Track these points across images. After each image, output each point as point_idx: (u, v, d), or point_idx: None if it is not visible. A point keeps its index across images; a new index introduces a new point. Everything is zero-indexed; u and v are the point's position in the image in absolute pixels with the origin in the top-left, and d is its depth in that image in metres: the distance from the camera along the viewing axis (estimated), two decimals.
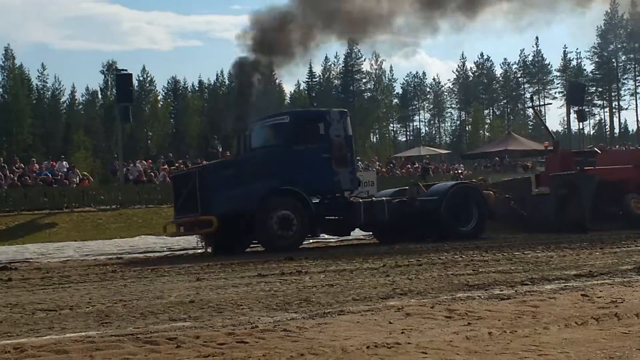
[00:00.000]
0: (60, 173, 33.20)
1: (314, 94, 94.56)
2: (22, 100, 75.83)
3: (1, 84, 78.85)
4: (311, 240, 20.36)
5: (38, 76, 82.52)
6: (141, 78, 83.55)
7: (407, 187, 21.50)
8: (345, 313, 7.39)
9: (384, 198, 20.13)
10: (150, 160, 40.80)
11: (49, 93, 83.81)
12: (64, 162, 36.59)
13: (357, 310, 7.54)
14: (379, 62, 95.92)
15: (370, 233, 21.42)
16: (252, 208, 17.64)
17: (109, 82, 78.17)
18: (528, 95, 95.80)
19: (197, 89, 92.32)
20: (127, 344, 6.01)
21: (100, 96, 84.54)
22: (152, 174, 35.46)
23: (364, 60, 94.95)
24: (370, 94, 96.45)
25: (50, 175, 32.67)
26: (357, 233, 21.10)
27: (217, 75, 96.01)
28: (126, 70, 37.68)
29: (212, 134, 61.23)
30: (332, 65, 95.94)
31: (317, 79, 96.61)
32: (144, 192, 31.92)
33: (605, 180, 21.08)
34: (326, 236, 21.32)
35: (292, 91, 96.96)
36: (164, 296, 9.23)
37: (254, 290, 9.48)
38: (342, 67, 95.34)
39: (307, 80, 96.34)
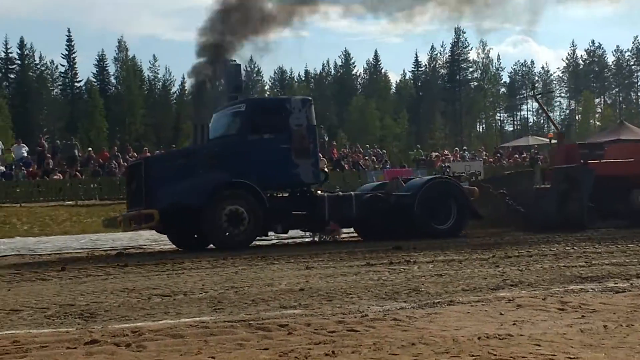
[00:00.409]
0: None
1: (419, 84, 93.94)
2: (134, 91, 77.81)
3: (115, 75, 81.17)
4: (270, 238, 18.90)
5: (149, 67, 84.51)
6: (248, 69, 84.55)
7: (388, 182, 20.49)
8: (455, 303, 7.35)
9: (352, 193, 18.97)
10: None
11: (160, 84, 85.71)
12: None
13: (467, 300, 7.49)
14: (485, 51, 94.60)
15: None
16: (198, 202, 16.57)
17: (217, 73, 79.34)
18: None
19: (303, 79, 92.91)
20: (240, 330, 6.13)
21: (208, 87, 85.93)
22: None
23: (471, 49, 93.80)
24: (477, 83, 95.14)
25: None
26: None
27: (322, 65, 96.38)
28: (235, 60, 38.29)
29: (319, 123, 61.66)
30: (438, 54, 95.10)
31: (423, 68, 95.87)
32: None
33: (609, 175, 19.27)
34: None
35: (398, 81, 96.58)
36: (274, 283, 9.36)
37: (363, 279, 9.51)
38: (449, 56, 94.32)
39: (412, 69, 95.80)
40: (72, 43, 78.85)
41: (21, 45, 78.14)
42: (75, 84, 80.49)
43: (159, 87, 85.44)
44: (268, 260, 12.92)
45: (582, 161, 19.80)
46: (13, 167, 32.34)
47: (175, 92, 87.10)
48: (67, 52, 79.41)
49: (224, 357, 5.23)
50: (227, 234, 16.56)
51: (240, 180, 16.94)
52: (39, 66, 79.97)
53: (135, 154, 36.18)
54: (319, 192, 18.32)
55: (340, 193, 18.92)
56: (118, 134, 74.88)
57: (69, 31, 78.53)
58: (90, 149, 38.89)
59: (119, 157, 34.37)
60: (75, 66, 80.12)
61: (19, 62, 78.83)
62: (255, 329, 6.14)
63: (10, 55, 78.59)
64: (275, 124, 17.72)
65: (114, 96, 78.85)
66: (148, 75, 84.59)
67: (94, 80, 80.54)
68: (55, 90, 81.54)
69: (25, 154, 33.61)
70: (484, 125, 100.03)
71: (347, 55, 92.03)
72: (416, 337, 5.64)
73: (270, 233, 17.98)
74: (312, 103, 18.54)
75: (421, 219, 18.03)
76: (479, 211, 18.99)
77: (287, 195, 18.21)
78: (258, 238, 17.58)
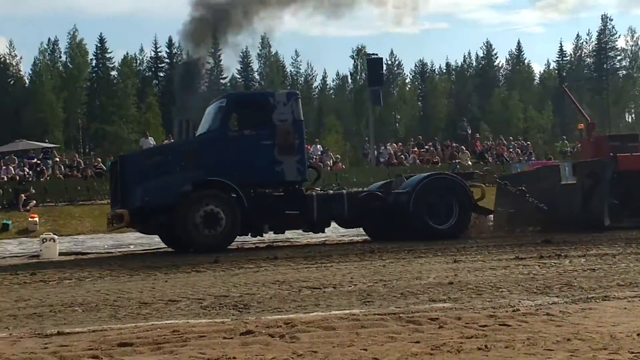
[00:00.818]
0: (314, 156, 34.42)
1: (564, 74, 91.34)
2: (277, 86, 79.07)
3: (258, 71, 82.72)
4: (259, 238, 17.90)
5: (292, 63, 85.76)
6: (389, 62, 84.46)
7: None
8: (610, 299, 7.15)
9: (343, 191, 17.95)
10: (400, 143, 41.28)
11: (302, 79, 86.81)
12: (318, 146, 37.87)
13: (623, 296, 7.27)
14: (635, 38, 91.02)
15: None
16: (168, 201, 15.72)
17: (359, 67, 79.70)
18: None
19: (444, 71, 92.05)
20: (390, 323, 6.16)
21: (350, 80, 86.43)
22: (402, 156, 35.90)
23: (619, 36, 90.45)
24: (626, 72, 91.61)
25: None
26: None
27: (464, 56, 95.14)
28: (377, 54, 38.44)
29: (461, 116, 60.96)
30: (584, 42, 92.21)
31: (568, 57, 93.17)
32: (394, 174, 32.35)
33: (635, 169, 17.67)
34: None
35: (542, 71, 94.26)
36: (422, 277, 9.36)
37: (513, 273, 9.37)
38: (595, 44, 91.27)
39: (557, 59, 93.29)
40: (218, 41, 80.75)
41: (169, 44, 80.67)
42: (221, 80, 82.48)
43: (301, 82, 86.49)
44: (415, 253, 12.90)
45: (611, 155, 18.32)
46: None
47: (317, 86, 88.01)
48: (213, 50, 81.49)
49: (375, 349, 5.26)
50: (202, 235, 15.72)
51: (216, 179, 16.13)
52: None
53: None
54: (311, 191, 17.43)
55: (331, 192, 17.92)
56: None
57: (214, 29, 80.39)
58: None
59: None
60: (221, 63, 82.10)
61: (167, 60, 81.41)
62: (406, 322, 6.16)
63: (160, 54, 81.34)
64: (257, 119, 16.84)
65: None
66: (290, 71, 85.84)
67: (239, 76, 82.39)
68: (202, 87, 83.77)
69: None
70: (633, 116, 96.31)
71: (488, 46, 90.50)
72: (571, 333, 5.53)
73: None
74: (298, 97, 17.70)
75: (417, 218, 16.99)
76: (484, 210, 18.08)
77: (273, 194, 17.05)
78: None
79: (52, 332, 6.37)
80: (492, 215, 18.95)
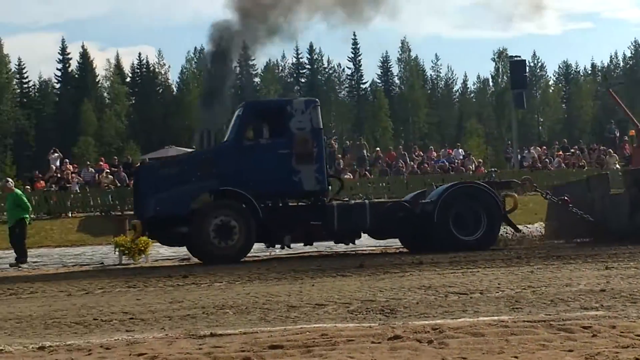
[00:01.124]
0: (456, 160, 34.15)
1: None
2: (417, 90, 78.80)
3: (398, 75, 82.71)
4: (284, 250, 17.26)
5: (432, 66, 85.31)
6: (532, 64, 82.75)
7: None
8: None
9: (366, 201, 17.51)
10: (544, 147, 40.38)
11: (442, 82, 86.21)
12: (460, 150, 37.54)
13: None
14: None
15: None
16: (181, 212, 15.48)
17: (500, 69, 78.52)
18: None
19: (589, 72, 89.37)
20: (541, 330, 6.04)
21: (491, 83, 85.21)
22: (546, 160, 35.14)
23: None
24: None
25: (446, 162, 33.74)
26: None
27: (610, 57, 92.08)
28: (519, 56, 37.74)
29: (608, 118, 58.97)
30: None
31: None
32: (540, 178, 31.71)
33: None
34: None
35: None
36: (572, 284, 9.13)
37: None
38: None
39: None
40: (358, 46, 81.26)
41: (310, 50, 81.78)
42: (361, 85, 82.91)
43: (441, 85, 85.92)
44: (564, 259, 12.60)
45: None
46: None
47: (458, 90, 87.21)
48: (352, 55, 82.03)
49: (527, 357, 5.17)
50: (215, 247, 15.50)
51: (229, 189, 15.83)
52: (327, 70, 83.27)
53: (421, 152, 36.76)
54: (334, 201, 16.98)
55: (352, 202, 17.47)
56: (402, 133, 76.35)
57: (354, 35, 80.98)
58: (377, 148, 40.01)
59: (405, 156, 35.03)
60: (361, 68, 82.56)
61: (309, 66, 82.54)
62: (557, 330, 6.02)
63: (301, 60, 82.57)
64: (274, 127, 16.57)
65: (398, 96, 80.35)
66: (430, 75, 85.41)
67: (379, 81, 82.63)
68: (342, 93, 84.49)
69: None
70: None
71: (636, 46, 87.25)
72: None
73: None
74: (317, 105, 16.96)
75: (441, 229, 16.31)
76: (512, 225, 17.26)
77: (291, 204, 16.82)
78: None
79: (205, 334, 6.55)
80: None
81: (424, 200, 17.01)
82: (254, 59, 79.83)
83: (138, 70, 78.98)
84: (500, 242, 17.00)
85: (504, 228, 17.34)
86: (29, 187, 31.68)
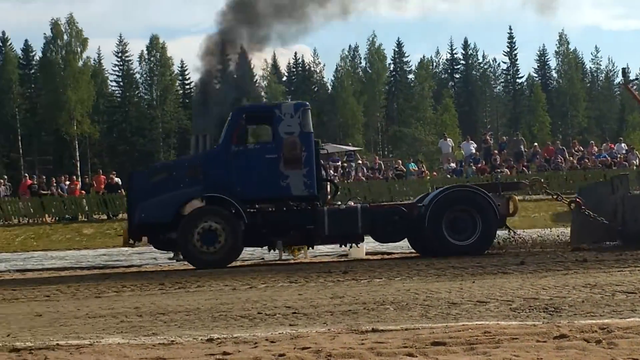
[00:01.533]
0: (619, 155, 32.98)
1: None
2: (576, 84, 76.65)
3: (556, 69, 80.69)
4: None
5: (592, 59, 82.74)
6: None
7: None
8: None
9: (358, 206, 16.62)
10: None
11: (603, 75, 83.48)
12: (622, 144, 36.21)
13: None
14: None
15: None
16: (165, 219, 15.50)
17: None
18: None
19: None
20: None
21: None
22: None
23: None
24: None
25: (608, 157, 32.64)
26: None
27: None
28: None
29: None
30: None
31: None
32: None
33: None
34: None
35: None
36: None
37: None
38: None
39: None
40: (514, 40, 79.85)
41: (465, 45, 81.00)
42: (517, 80, 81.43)
43: (601, 78, 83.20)
44: None
45: None
46: (462, 163, 33.75)
47: (619, 82, 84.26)
48: (508, 50, 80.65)
49: None
50: (200, 252, 15.44)
51: (214, 195, 15.74)
52: (482, 65, 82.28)
53: (581, 147, 35.76)
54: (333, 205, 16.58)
55: (343, 206, 16.74)
56: (560, 128, 74.45)
57: (510, 29, 79.53)
58: (535, 144, 39.18)
59: (564, 151, 34.14)
60: (517, 63, 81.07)
61: (463, 62, 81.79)
62: None
63: (455, 56, 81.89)
64: (262, 132, 16.31)
65: (556, 90, 78.41)
66: (590, 67, 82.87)
67: (535, 75, 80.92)
68: (498, 88, 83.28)
69: (474, 151, 34.87)
70: None
71: None
72: None
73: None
74: (306, 108, 16.60)
75: (433, 233, 15.82)
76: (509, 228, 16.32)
77: (279, 209, 16.39)
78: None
79: (367, 329, 6.63)
80: None
81: (420, 204, 16.62)
82: (408, 56, 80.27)
83: (294, 70, 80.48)
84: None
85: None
86: None
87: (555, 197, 17.33)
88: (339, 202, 17.27)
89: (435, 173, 36.76)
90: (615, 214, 15.78)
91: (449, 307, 7.95)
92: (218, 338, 6.52)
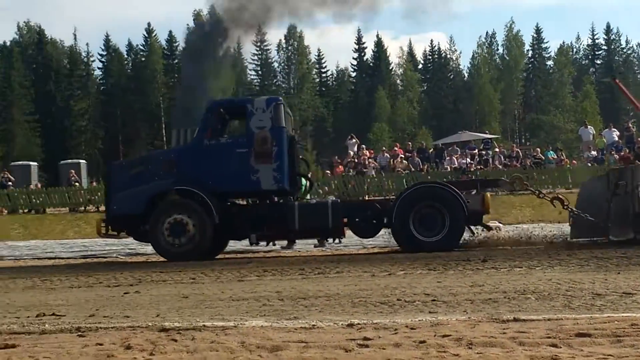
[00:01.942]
0: None
1: None
2: None
3: None
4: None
5: None
6: None
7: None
8: None
9: (328, 201, 16.93)
10: None
11: None
12: None
13: None
14: None
15: None
16: (136, 211, 15.89)
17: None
18: None
19: None
20: None
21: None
22: None
23: None
24: None
25: None
26: None
27: None
28: None
29: None
30: None
31: None
32: None
33: None
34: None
35: None
36: None
37: None
38: None
39: None
40: None
41: (607, 30, 78.62)
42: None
43: None
44: None
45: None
46: (604, 151, 32.80)
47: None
48: None
49: None
50: (168, 244, 15.73)
51: (184, 188, 16.04)
52: (625, 50, 79.70)
53: None
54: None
55: (314, 201, 17.18)
56: None
57: None
58: None
59: None
60: None
61: (605, 47, 79.47)
62: None
63: (597, 41, 79.62)
64: (234, 126, 16.94)
65: None
66: None
67: None
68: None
69: (616, 138, 33.84)
70: None
71: None
72: None
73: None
74: (279, 103, 16.62)
75: (400, 229, 15.89)
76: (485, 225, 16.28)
77: (250, 203, 17.11)
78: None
79: (508, 318, 6.58)
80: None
81: (391, 201, 16.83)
82: (547, 42, 78.51)
83: (430, 57, 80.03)
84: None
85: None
86: (328, 171, 33.14)
87: (537, 194, 17.29)
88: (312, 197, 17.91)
89: (575, 161, 35.92)
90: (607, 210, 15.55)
91: (592, 298, 7.78)
92: (358, 323, 6.60)
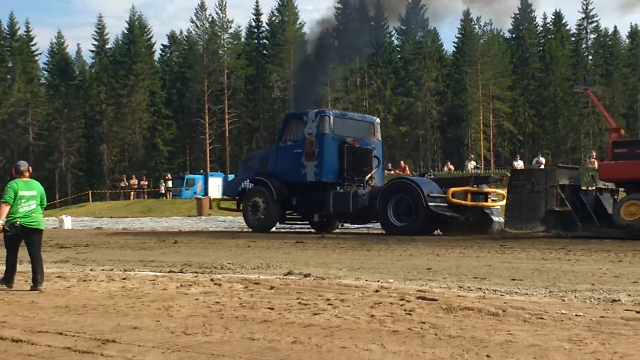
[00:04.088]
0: None
1: None
2: None
3: None
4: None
5: None
6: None
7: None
8: None
9: (350, 190, 21.85)
10: None
11: None
12: None
13: None
14: None
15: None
16: (235, 194, 23.99)
17: None
18: None
19: None
20: None
21: None
22: None
23: None
24: None
25: None
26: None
27: None
28: None
29: None
30: None
31: None
32: None
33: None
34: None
35: None
36: None
37: None
38: None
39: None
40: None
41: None
42: None
43: None
44: None
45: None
46: None
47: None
48: None
49: None
50: (250, 220, 23.20)
51: (259, 178, 23.17)
52: None
53: None
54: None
55: (341, 190, 22.29)
56: None
57: None
58: None
59: None
60: None
61: None
62: None
63: None
64: (297, 133, 22.85)
65: None
66: None
67: None
68: None
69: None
70: None
71: None
72: None
73: None
74: (324, 114, 22.54)
75: (381, 215, 20.84)
76: (449, 213, 20.07)
77: (302, 190, 22.82)
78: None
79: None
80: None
81: (373, 191, 21.59)
82: None
83: None
84: None
85: None
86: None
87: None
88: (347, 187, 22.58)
89: None
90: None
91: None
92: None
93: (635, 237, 16.87)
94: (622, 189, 19.20)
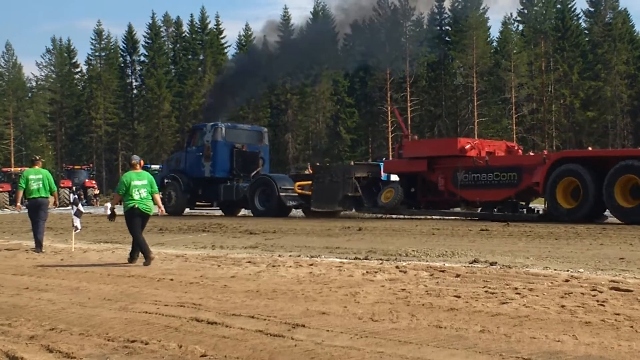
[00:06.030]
0: None
1: None
2: None
3: None
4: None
5: None
6: None
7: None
8: None
9: (235, 183, 29.55)
10: None
11: None
12: None
13: None
14: None
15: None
16: (160, 188, 27.78)
17: None
18: None
19: None
20: None
21: None
22: None
23: None
24: None
25: None
26: None
27: None
28: None
29: None
30: None
31: None
32: None
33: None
34: None
35: None
36: None
37: None
38: None
39: None
40: None
41: None
42: None
43: None
44: None
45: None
46: None
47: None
48: None
49: None
50: (167, 206, 28.66)
51: (172, 174, 30.90)
52: None
53: None
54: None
55: (228, 183, 29.94)
56: None
57: None
58: None
59: None
60: None
61: None
62: None
63: None
64: (199, 140, 30.58)
65: None
66: None
67: None
68: None
69: None
70: None
71: None
72: None
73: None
74: (217, 127, 30.08)
75: (250, 202, 28.32)
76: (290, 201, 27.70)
77: (202, 183, 30.52)
78: None
79: None
80: None
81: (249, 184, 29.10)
82: None
83: None
84: None
85: None
86: None
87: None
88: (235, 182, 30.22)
89: None
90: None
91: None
92: None
93: (391, 214, 25.47)
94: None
